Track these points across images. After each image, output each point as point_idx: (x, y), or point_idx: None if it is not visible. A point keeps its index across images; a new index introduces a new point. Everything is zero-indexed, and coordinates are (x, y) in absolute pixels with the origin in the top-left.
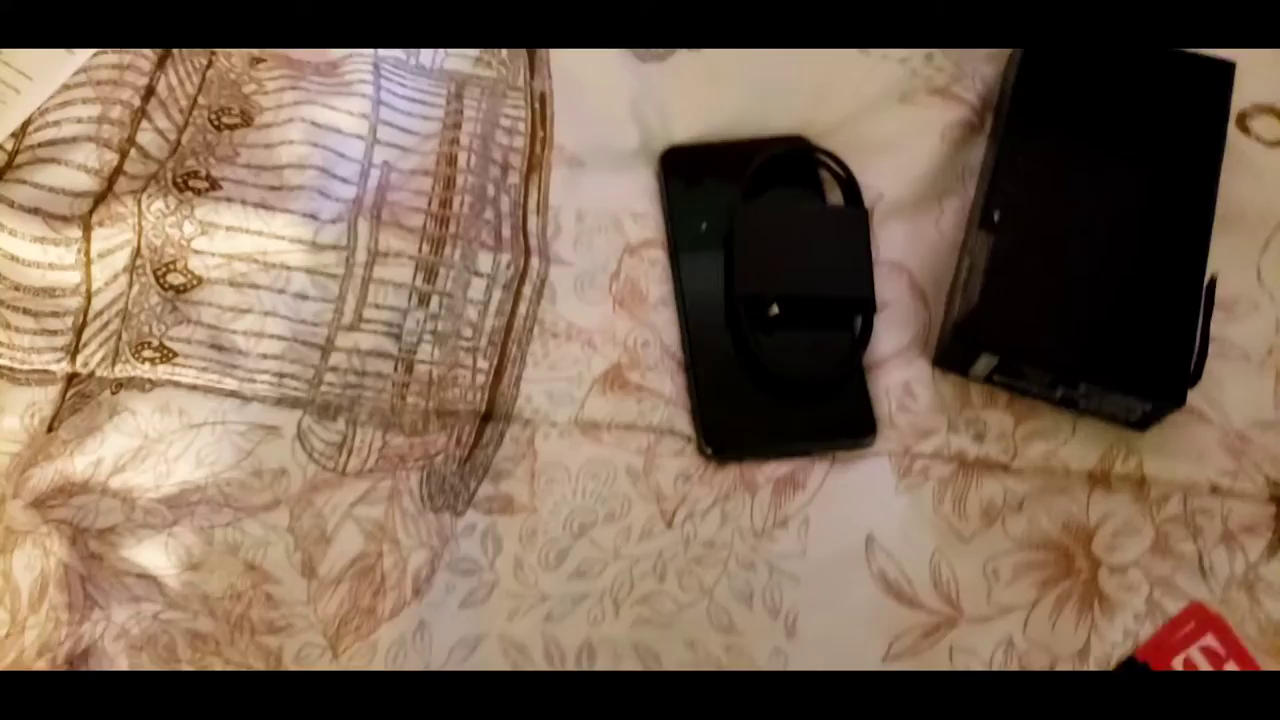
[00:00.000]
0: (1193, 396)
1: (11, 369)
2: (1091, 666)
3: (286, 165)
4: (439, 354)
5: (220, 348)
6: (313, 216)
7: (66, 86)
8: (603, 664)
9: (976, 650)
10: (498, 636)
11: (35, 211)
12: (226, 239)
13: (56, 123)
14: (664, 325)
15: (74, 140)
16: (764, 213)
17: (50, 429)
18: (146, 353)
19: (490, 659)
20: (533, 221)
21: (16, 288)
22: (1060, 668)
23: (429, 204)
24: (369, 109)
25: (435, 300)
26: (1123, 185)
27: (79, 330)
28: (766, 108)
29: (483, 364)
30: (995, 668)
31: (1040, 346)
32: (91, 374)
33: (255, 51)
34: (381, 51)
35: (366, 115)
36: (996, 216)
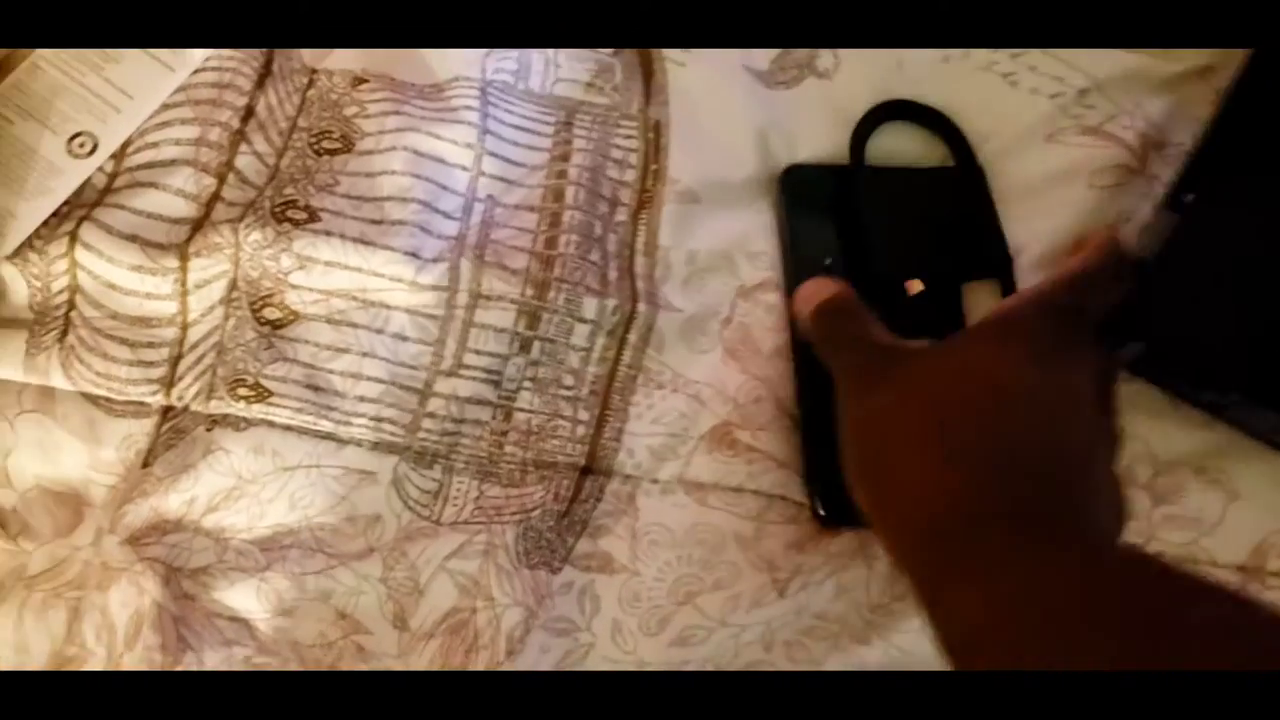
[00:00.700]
0: None
1: (109, 399)
2: None
3: (388, 197)
4: (539, 402)
5: (316, 388)
6: (414, 255)
7: (166, 106)
8: None
9: None
10: None
11: (133, 239)
12: (324, 274)
13: (155, 144)
14: (778, 379)
15: (173, 163)
16: (885, 182)
17: (145, 464)
18: (241, 390)
19: None
20: (640, 263)
21: (114, 316)
22: None
23: (533, 243)
24: (474, 138)
25: (537, 346)
26: None
27: (174, 362)
28: (897, 142)
29: (583, 414)
30: None
31: (1196, 344)
32: (186, 408)
33: (358, 70)
34: (490, 74)
35: (472, 145)
36: (1188, 199)
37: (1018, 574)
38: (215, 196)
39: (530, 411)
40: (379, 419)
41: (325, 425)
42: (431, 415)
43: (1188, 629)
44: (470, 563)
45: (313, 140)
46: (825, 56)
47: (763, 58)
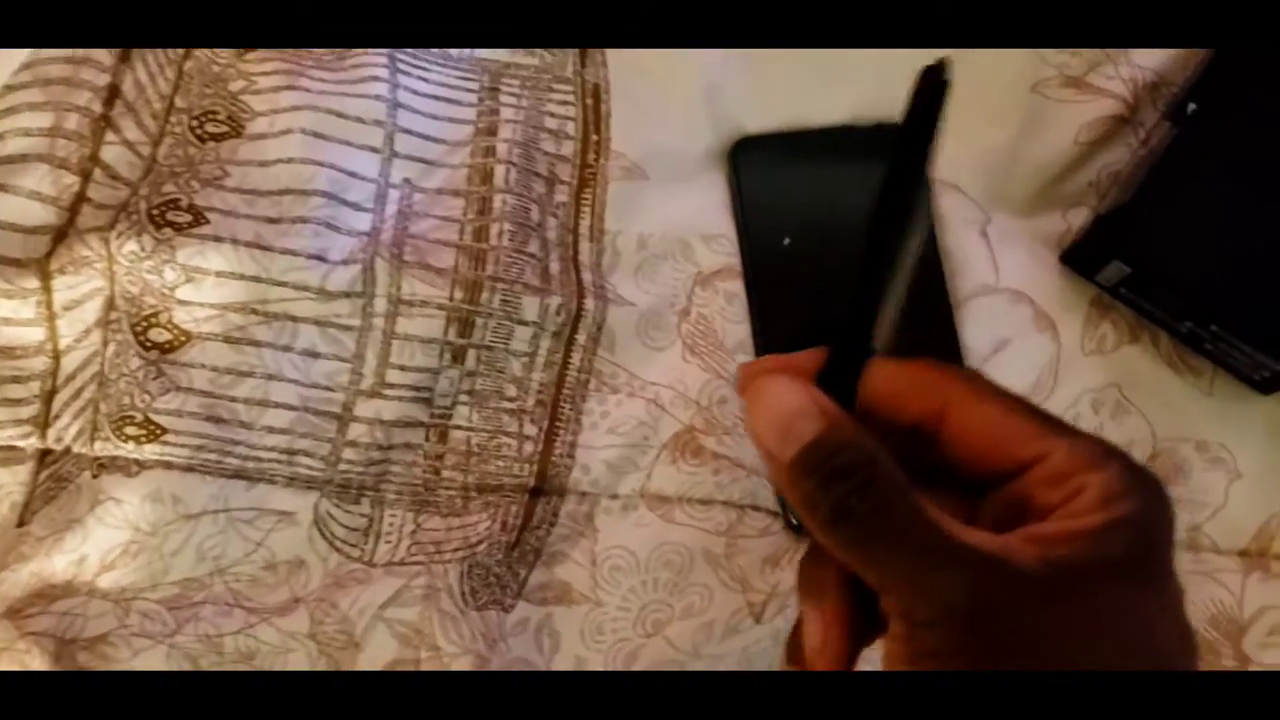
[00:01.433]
0: None
1: None
2: None
3: (286, 190)
4: (478, 419)
5: (218, 419)
6: (320, 257)
7: (9, 88)
8: None
9: None
10: None
11: None
12: (216, 286)
13: (0, 136)
14: None
15: (23, 160)
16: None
17: (21, 522)
18: (130, 429)
19: None
20: (585, 250)
21: None
22: None
23: (460, 235)
24: (384, 113)
25: (472, 355)
26: None
27: (48, 398)
28: (866, 96)
29: (530, 429)
30: None
31: (1179, 270)
32: (67, 450)
33: None
34: None
35: (381, 121)
36: (1190, 109)
37: None
38: (80, 198)
39: (469, 429)
40: (292, 451)
41: (231, 463)
42: (353, 444)
43: None
44: (410, 609)
45: (194, 123)
46: None
47: None
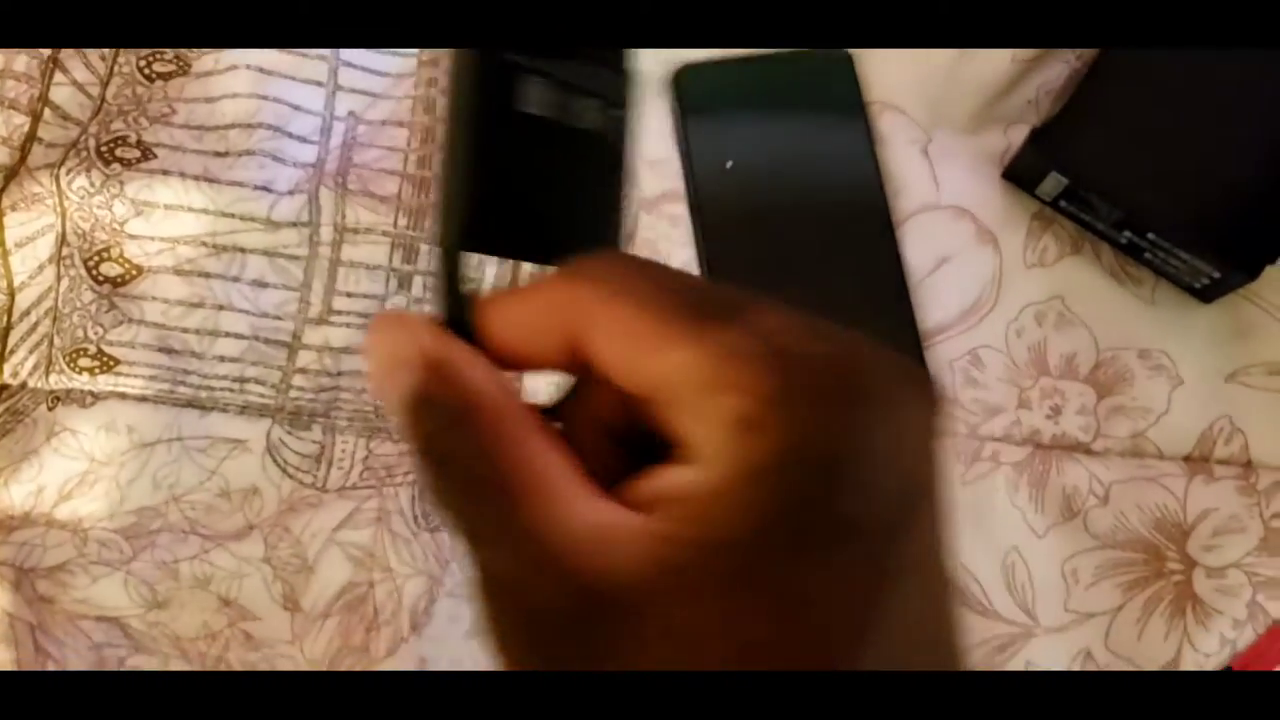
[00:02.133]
0: None
1: None
2: None
3: (232, 125)
4: None
5: (169, 350)
6: (266, 188)
7: None
8: None
9: (1055, 664)
10: None
11: None
12: (166, 219)
13: None
14: None
15: None
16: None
17: None
18: (84, 360)
19: None
20: None
21: None
22: None
23: (404, 164)
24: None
25: (418, 282)
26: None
27: (3, 335)
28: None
29: None
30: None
31: (1115, 181)
32: (24, 385)
33: None
34: None
35: (325, 55)
36: None
37: None
38: (30, 138)
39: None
40: (243, 379)
41: (184, 392)
42: (303, 370)
43: None
44: (362, 532)
45: (141, 63)
46: None
47: None
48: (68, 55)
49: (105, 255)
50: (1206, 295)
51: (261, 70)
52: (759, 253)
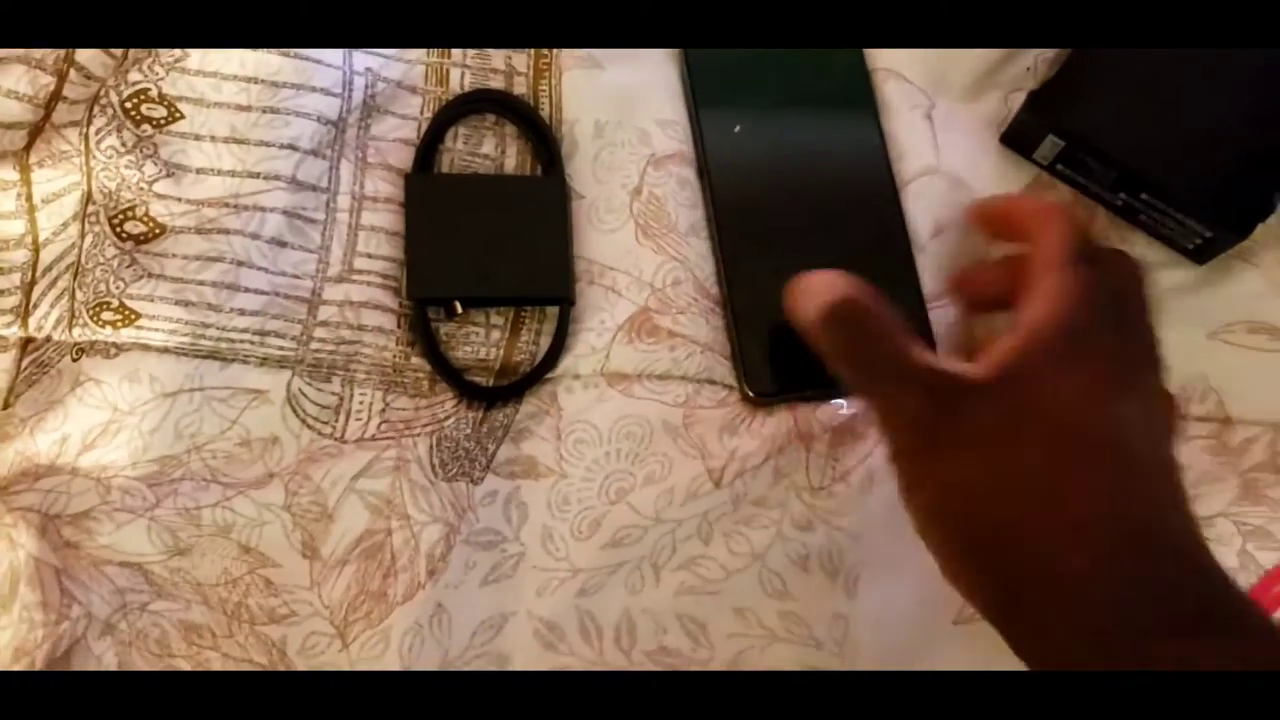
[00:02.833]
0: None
1: None
2: None
3: (253, 78)
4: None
5: (187, 303)
6: (292, 146)
7: None
8: (644, 637)
9: None
10: (526, 614)
11: None
12: (196, 182)
13: None
14: (696, 259)
15: (1, 62)
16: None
17: (6, 405)
18: (106, 314)
19: (518, 640)
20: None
21: None
22: None
23: (418, 133)
24: None
25: None
26: None
27: (28, 289)
28: None
29: (497, 318)
30: None
31: (1111, 142)
32: (48, 339)
33: None
34: None
35: None
36: None
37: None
38: (55, 96)
39: (437, 318)
40: (264, 332)
41: (205, 344)
42: (324, 324)
43: None
44: (380, 481)
45: None
46: None
47: None
48: None
49: (130, 214)
50: (1199, 256)
51: None
52: (767, 216)
